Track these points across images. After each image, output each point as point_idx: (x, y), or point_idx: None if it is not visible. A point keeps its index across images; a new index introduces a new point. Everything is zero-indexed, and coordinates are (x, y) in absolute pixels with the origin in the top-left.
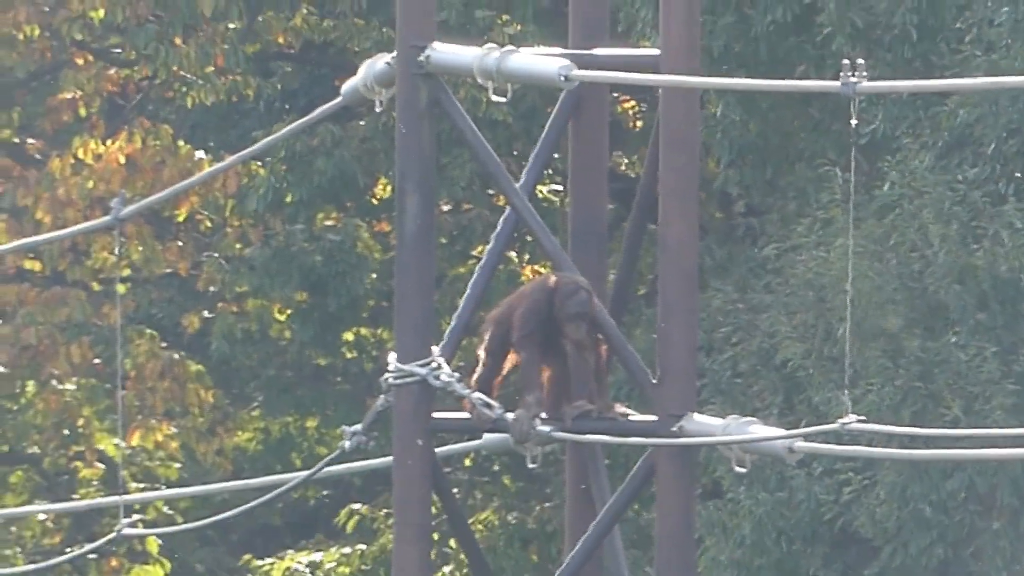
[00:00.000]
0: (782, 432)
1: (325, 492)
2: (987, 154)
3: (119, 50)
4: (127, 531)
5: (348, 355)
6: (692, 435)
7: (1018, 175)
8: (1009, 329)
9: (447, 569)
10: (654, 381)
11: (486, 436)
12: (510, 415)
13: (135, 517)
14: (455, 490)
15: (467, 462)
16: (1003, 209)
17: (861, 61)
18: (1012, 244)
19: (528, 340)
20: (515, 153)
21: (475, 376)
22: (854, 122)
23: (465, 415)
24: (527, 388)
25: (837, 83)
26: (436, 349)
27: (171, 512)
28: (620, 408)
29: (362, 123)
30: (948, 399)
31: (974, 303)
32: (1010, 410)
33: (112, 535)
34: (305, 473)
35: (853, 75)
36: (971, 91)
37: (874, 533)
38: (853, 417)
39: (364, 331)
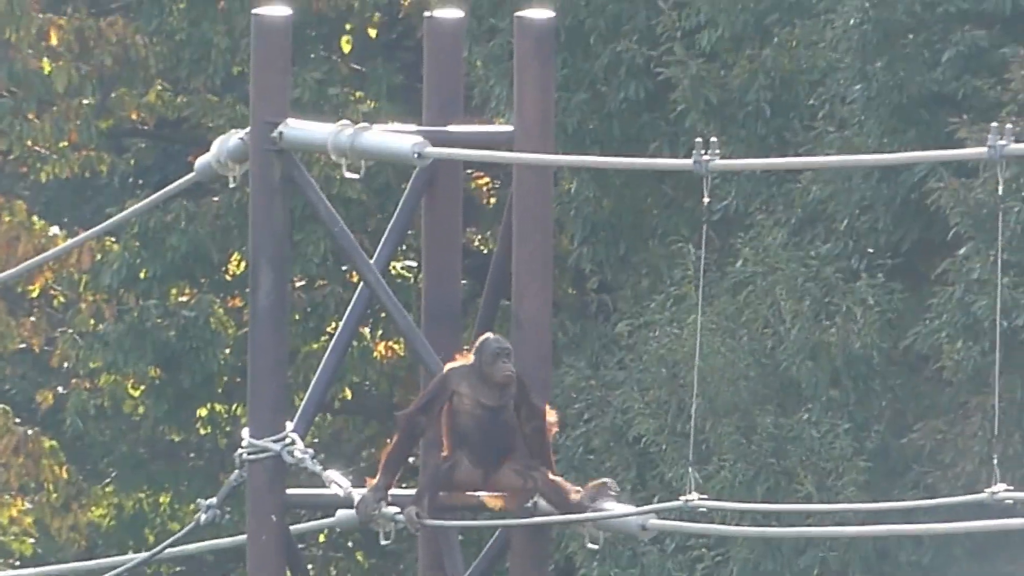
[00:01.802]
0: (632, 509)
1: (178, 568)
2: (840, 230)
3: None
4: None
5: (202, 431)
6: (546, 512)
7: (870, 251)
8: (861, 405)
9: None
10: None
11: (340, 513)
12: (357, 493)
13: None
14: (309, 566)
15: (321, 538)
16: (855, 285)
17: (714, 139)
18: (864, 320)
19: (410, 420)
20: (369, 230)
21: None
22: (706, 200)
23: (319, 491)
24: (383, 469)
25: (689, 161)
26: (290, 425)
27: None
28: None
29: (216, 199)
30: (801, 475)
31: (826, 380)
32: (862, 487)
33: None
34: (147, 553)
35: (705, 153)
36: (823, 168)
37: None
38: (696, 495)
39: (218, 407)
